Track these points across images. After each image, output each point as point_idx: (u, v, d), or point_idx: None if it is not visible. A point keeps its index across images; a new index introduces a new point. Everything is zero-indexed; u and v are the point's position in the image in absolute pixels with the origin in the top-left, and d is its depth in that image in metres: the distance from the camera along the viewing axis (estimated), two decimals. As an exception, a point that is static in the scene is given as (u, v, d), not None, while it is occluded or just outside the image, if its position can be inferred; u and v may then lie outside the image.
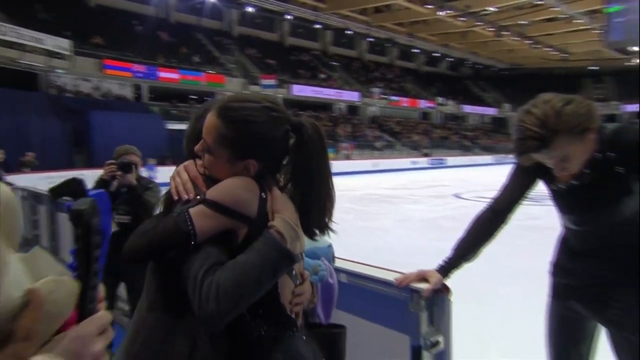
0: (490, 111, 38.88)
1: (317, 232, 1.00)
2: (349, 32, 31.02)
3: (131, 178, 2.28)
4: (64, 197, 2.25)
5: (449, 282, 1.38)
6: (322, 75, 30.02)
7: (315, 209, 0.97)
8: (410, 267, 1.42)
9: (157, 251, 0.93)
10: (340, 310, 1.37)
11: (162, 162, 14.23)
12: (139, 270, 1.08)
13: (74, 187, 1.97)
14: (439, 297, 1.35)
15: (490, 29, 29.32)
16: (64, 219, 3.91)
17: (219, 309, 0.83)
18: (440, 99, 34.77)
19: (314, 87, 27.42)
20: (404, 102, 32.70)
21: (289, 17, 28.25)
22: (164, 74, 21.27)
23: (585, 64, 36.70)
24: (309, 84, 27.39)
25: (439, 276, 1.35)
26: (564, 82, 30.18)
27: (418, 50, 35.84)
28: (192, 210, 0.89)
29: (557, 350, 1.48)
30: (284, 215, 0.91)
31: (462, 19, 27.53)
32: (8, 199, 0.50)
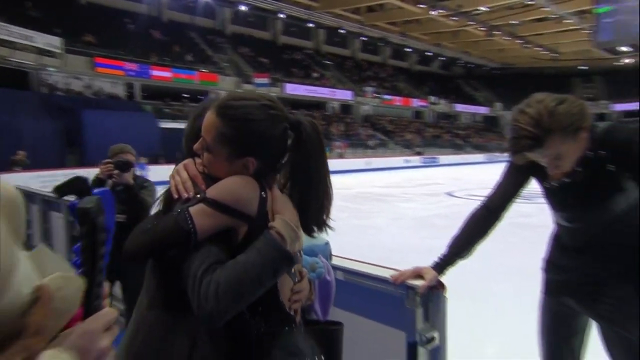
0: (482, 110, 39.13)
1: (315, 229, 1.01)
2: (342, 31, 31.03)
3: (128, 177, 2.27)
4: (67, 196, 2.24)
5: (443, 278, 1.40)
6: (315, 74, 30.00)
7: (314, 206, 0.98)
8: (404, 264, 1.44)
9: (158, 250, 0.93)
10: (337, 308, 1.38)
11: (155, 161, 14.15)
12: (135, 269, 1.09)
13: (79, 186, 1.98)
14: (434, 294, 1.37)
15: (481, 29, 29.49)
16: (56, 218, 3.88)
17: (218, 307, 0.83)
18: (432, 98, 34.93)
19: (307, 86, 27.40)
20: (397, 101, 32.79)
21: (282, 15, 28.19)
22: (156, 73, 21.12)
23: (575, 64, 37.07)
24: (302, 83, 27.37)
25: (434, 273, 1.37)
26: (554, 81, 30.47)
27: (410, 50, 35.95)
28: (192, 209, 0.90)
29: (550, 345, 1.51)
30: (284, 215, 0.92)
31: (454, 18, 27.67)
32: (14, 197, 0.50)
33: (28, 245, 0.53)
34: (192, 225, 0.88)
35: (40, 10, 18.91)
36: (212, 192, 0.92)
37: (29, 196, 4.94)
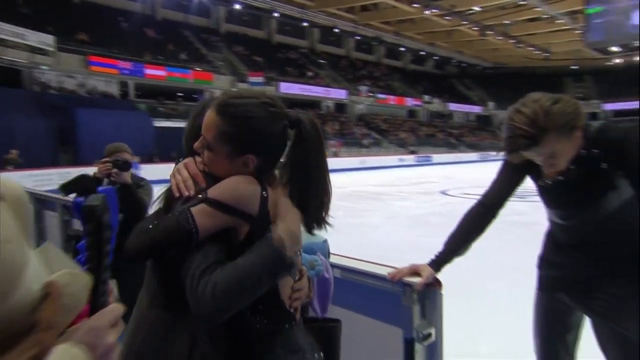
0: (476, 109, 39.33)
1: (315, 226, 1.01)
2: (336, 30, 31.04)
3: (127, 176, 2.27)
4: (72, 194, 2.24)
5: (439, 276, 1.42)
6: (310, 73, 29.99)
7: (313, 204, 0.98)
8: (399, 262, 1.45)
9: (160, 249, 0.94)
10: (335, 305, 1.39)
11: (149, 160, 14.08)
12: (132, 267, 1.09)
13: (85, 184, 1.98)
14: (431, 291, 1.38)
15: (475, 28, 29.65)
16: (51, 217, 3.86)
17: (214, 307, 0.85)
18: (426, 97, 35.05)
19: (301, 85, 27.39)
20: (391, 100, 32.87)
21: (276, 14, 28.14)
22: (150, 71, 20.99)
23: (567, 64, 37.39)
24: (296, 82, 27.35)
25: (430, 270, 1.39)
26: (546, 81, 30.72)
27: (404, 49, 36.05)
28: (194, 209, 0.91)
29: (544, 340, 1.53)
30: (287, 218, 0.92)
31: (447, 18, 27.80)
32: (21, 194, 0.51)
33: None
34: (193, 225, 0.89)
35: (32, 8, 18.73)
36: (214, 192, 0.92)
37: (23, 195, 4.89)
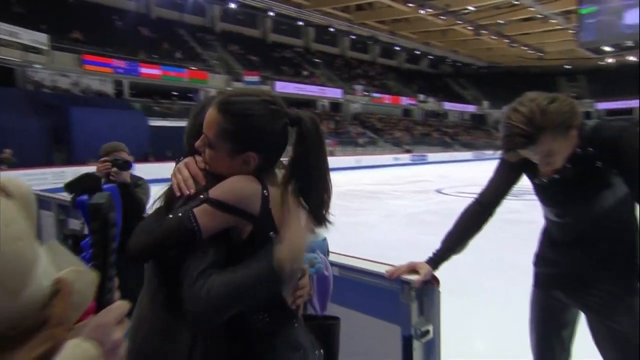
0: (470, 108, 39.48)
1: (315, 224, 1.02)
2: (331, 29, 31.04)
3: (126, 175, 2.26)
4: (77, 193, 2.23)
5: (436, 273, 1.43)
6: (305, 72, 29.98)
7: (313, 202, 0.99)
8: (396, 261, 1.46)
9: (162, 249, 0.94)
10: (333, 304, 1.40)
11: (144, 159, 14.02)
12: (133, 267, 1.09)
13: (90, 182, 1.98)
14: (429, 288, 1.40)
15: (469, 28, 29.76)
16: (46, 216, 3.84)
17: (207, 311, 0.87)
18: (421, 96, 35.15)
19: (297, 84, 27.38)
20: (386, 99, 32.93)
21: (271, 13, 28.09)
22: (145, 70, 20.89)
23: (560, 63, 37.62)
24: (292, 81, 27.33)
25: (428, 268, 1.40)
26: (540, 80, 30.90)
27: (399, 48, 36.12)
28: (196, 210, 0.91)
29: (540, 337, 1.55)
30: (292, 236, 0.91)
31: (442, 17, 27.88)
32: (29, 193, 0.52)
33: None
34: (196, 225, 0.90)
35: (25, 7, 18.58)
36: (215, 192, 0.93)
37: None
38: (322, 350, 1.05)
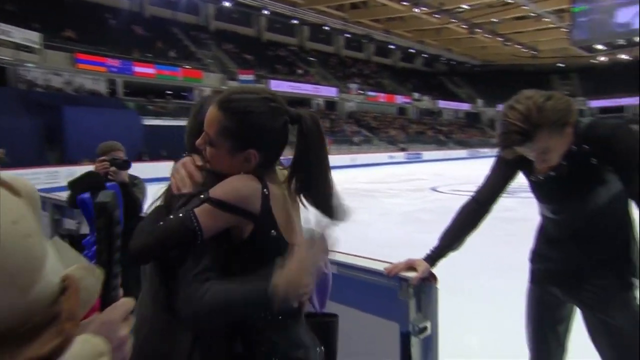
0: (464, 106, 39.63)
1: (328, 218, 1.01)
2: (326, 27, 31.03)
3: (124, 175, 2.26)
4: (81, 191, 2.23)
5: (433, 271, 1.44)
6: (300, 71, 29.95)
7: (317, 199, 1.00)
8: (392, 259, 1.47)
9: (164, 250, 0.95)
10: (331, 301, 1.41)
11: (138, 159, 13.94)
12: (133, 267, 1.09)
13: (94, 180, 1.98)
14: (426, 285, 1.41)
15: (463, 26, 29.87)
16: (41, 216, 3.81)
17: (196, 317, 0.89)
18: (416, 95, 35.23)
19: (291, 83, 27.34)
20: (381, 97, 32.98)
21: (266, 12, 28.03)
22: (139, 69, 20.77)
23: (554, 61, 37.85)
24: (286, 80, 27.29)
25: (426, 265, 1.41)
26: (533, 78, 31.02)
27: (394, 47, 36.18)
28: (197, 210, 0.92)
29: (536, 332, 1.57)
30: (295, 264, 0.89)
31: (436, 16, 27.97)
32: (34, 191, 0.52)
33: None
34: (197, 225, 0.90)
35: (17, 5, 18.40)
36: (216, 191, 0.93)
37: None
38: (322, 347, 1.06)
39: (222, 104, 0.97)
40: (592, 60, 36.06)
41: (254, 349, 0.95)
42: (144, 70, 20.95)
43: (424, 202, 9.81)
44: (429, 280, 1.41)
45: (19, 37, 16.60)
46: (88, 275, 0.52)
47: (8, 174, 0.51)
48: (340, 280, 1.48)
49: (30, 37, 16.97)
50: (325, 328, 1.15)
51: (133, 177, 2.43)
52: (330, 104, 30.75)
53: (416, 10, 27.22)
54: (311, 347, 1.01)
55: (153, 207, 1.07)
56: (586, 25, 27.42)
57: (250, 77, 24.00)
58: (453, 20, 28.75)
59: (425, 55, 39.33)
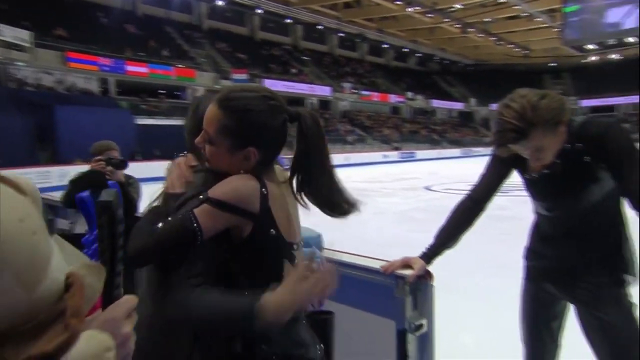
0: (458, 105, 39.83)
1: (333, 214, 1.02)
2: (319, 27, 31.02)
3: (121, 174, 2.26)
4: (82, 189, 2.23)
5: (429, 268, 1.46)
6: (294, 70, 29.92)
7: (319, 199, 1.00)
8: (387, 258, 1.48)
9: (164, 252, 0.94)
10: (328, 299, 1.42)
11: (131, 158, 13.86)
12: (128, 268, 1.09)
13: (96, 179, 1.98)
14: (422, 283, 1.42)
15: (456, 26, 30.02)
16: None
17: (182, 319, 0.91)
18: (409, 94, 35.34)
19: (285, 82, 27.30)
20: (375, 96, 33.05)
21: (259, 11, 27.96)
22: (132, 68, 20.63)
23: (545, 61, 38.14)
24: (280, 79, 27.25)
25: (422, 263, 1.43)
26: (526, 77, 31.26)
27: (387, 46, 36.27)
28: (196, 210, 0.92)
29: (531, 328, 1.59)
30: (286, 291, 0.89)
31: (429, 15, 28.09)
32: (36, 190, 0.52)
33: None
34: (197, 226, 0.90)
35: (7, 3, 18.17)
36: (215, 192, 0.93)
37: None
38: (322, 345, 1.07)
39: (222, 102, 0.97)
40: (583, 60, 36.40)
41: (254, 347, 0.95)
42: (137, 69, 20.81)
43: (418, 201, 9.85)
44: (425, 278, 1.42)
45: (9, 35, 16.41)
46: (90, 272, 0.52)
47: (10, 173, 0.51)
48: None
49: (20, 35, 16.79)
50: (321, 325, 1.16)
51: (128, 177, 2.42)
52: (324, 103, 30.75)
53: (409, 9, 27.32)
54: (311, 345, 1.01)
55: (150, 207, 1.07)
56: (577, 25, 27.68)
57: (243, 76, 23.92)
58: (446, 20, 28.90)
59: (418, 55, 39.46)
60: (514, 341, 1.68)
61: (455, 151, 30.69)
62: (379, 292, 1.47)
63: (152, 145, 15.12)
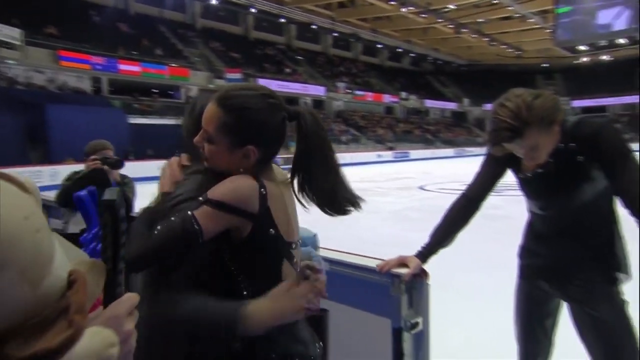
0: (451, 105, 40.02)
1: (332, 213, 1.02)
2: (313, 26, 31.02)
3: (116, 174, 2.24)
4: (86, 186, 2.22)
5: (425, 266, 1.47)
6: (288, 70, 29.89)
7: (321, 198, 0.99)
8: (382, 257, 1.48)
9: (164, 255, 0.94)
10: (324, 299, 1.42)
11: (124, 158, 13.77)
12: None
13: (99, 177, 1.96)
14: (418, 281, 1.43)
15: (450, 26, 30.16)
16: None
17: (166, 323, 0.92)
18: (403, 94, 35.46)
19: (279, 82, 27.27)
20: (369, 96, 33.12)
21: (253, 10, 27.90)
22: (124, 67, 20.48)
23: (538, 62, 38.44)
24: (274, 78, 27.20)
25: (418, 261, 1.44)
26: (518, 78, 31.47)
27: (381, 46, 36.35)
28: (196, 212, 0.91)
29: (525, 326, 1.60)
30: (271, 305, 0.91)
31: (423, 15, 28.20)
32: (37, 189, 0.52)
33: None
34: (198, 228, 0.90)
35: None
36: (214, 193, 0.93)
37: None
38: (321, 343, 1.07)
39: (221, 101, 0.97)
40: (574, 61, 36.74)
41: (253, 345, 0.96)
42: (130, 68, 20.67)
43: (412, 201, 9.89)
44: (421, 276, 1.43)
45: (0, 33, 16.24)
46: (93, 269, 0.53)
47: (10, 172, 0.51)
48: (332, 278, 1.49)
49: (10, 33, 16.63)
50: (315, 323, 1.16)
51: (123, 176, 2.41)
52: (318, 103, 30.74)
53: (403, 9, 27.41)
54: (310, 343, 1.01)
55: (143, 208, 1.07)
56: (569, 26, 27.92)
57: (237, 75, 23.86)
58: (440, 20, 29.03)
59: (412, 55, 39.60)
60: (508, 339, 1.70)
61: (449, 151, 30.86)
62: (375, 291, 1.47)
63: (145, 145, 15.03)
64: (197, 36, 26.93)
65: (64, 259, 0.48)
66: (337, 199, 1.00)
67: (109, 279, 0.56)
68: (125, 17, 23.95)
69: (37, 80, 18.31)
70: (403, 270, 1.43)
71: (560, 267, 1.48)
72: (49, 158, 13.77)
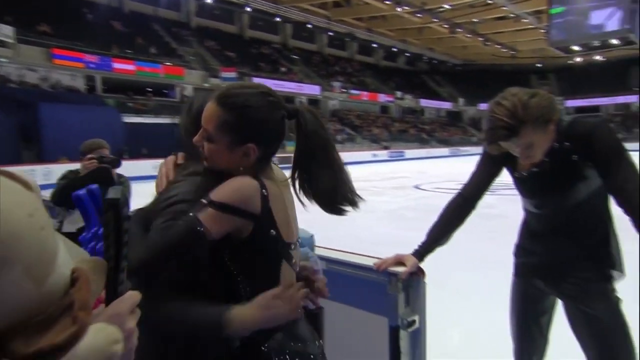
0: (446, 105, 40.14)
1: (330, 212, 1.02)
2: (309, 25, 30.99)
3: (114, 173, 2.23)
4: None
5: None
6: (283, 69, 29.84)
7: (321, 197, 0.99)
8: (380, 255, 1.49)
9: (170, 259, 0.93)
10: (322, 298, 1.43)
11: (119, 157, 13.68)
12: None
13: (103, 175, 1.96)
14: (415, 280, 1.45)
15: (445, 26, 30.23)
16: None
17: (154, 325, 0.89)
18: (398, 93, 35.51)
19: (274, 81, 27.20)
20: (364, 95, 33.13)
21: (248, 9, 27.82)
22: (118, 65, 20.35)
23: (532, 61, 38.63)
24: (269, 78, 27.13)
25: (414, 260, 1.45)
26: (512, 78, 31.60)
27: (377, 45, 36.37)
28: (200, 215, 0.91)
29: (520, 323, 1.62)
30: (256, 311, 0.92)
31: (418, 15, 28.23)
32: (37, 186, 0.53)
33: None
34: (203, 231, 0.90)
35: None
36: (216, 195, 0.92)
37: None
38: (321, 341, 1.07)
39: (221, 99, 0.97)
40: (568, 61, 36.97)
41: (253, 343, 0.96)
42: (124, 67, 20.54)
43: (408, 200, 9.92)
44: (417, 274, 1.44)
45: (-9, 31, 16.10)
46: (95, 267, 0.53)
47: (16, 170, 0.51)
48: (329, 276, 1.49)
49: (3, 31, 16.47)
50: (310, 320, 1.17)
51: (119, 176, 2.40)
52: (313, 102, 30.72)
53: (398, 9, 27.42)
54: (310, 341, 1.01)
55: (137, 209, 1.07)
56: (563, 27, 28.04)
57: (232, 74, 23.78)
58: (435, 20, 29.08)
59: (407, 54, 39.66)
60: (504, 336, 1.71)
61: (444, 150, 30.95)
62: (372, 289, 1.48)
63: (140, 144, 14.95)
64: (191, 35, 26.81)
65: (67, 257, 0.48)
66: (337, 199, 1.00)
67: (111, 278, 0.56)
68: (120, 15, 23.80)
69: (30, 78, 18.16)
70: (400, 269, 1.44)
71: (555, 265, 1.50)
72: (42, 157, 13.66)
